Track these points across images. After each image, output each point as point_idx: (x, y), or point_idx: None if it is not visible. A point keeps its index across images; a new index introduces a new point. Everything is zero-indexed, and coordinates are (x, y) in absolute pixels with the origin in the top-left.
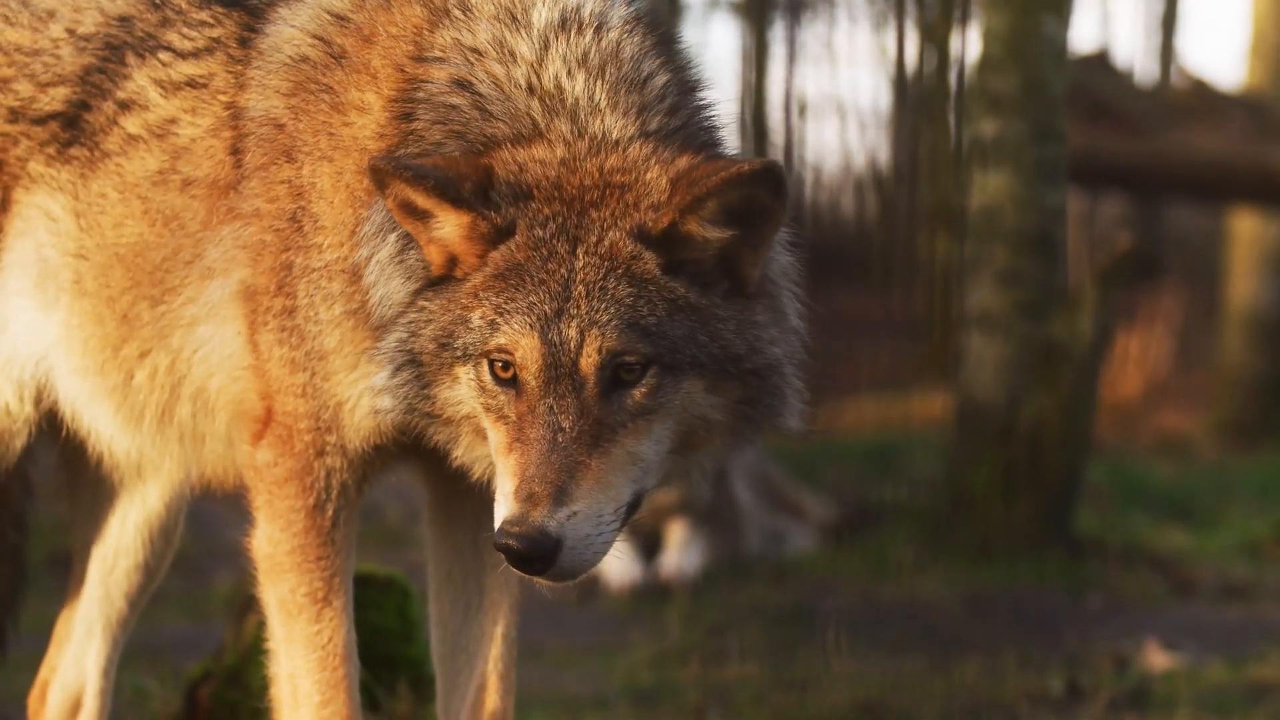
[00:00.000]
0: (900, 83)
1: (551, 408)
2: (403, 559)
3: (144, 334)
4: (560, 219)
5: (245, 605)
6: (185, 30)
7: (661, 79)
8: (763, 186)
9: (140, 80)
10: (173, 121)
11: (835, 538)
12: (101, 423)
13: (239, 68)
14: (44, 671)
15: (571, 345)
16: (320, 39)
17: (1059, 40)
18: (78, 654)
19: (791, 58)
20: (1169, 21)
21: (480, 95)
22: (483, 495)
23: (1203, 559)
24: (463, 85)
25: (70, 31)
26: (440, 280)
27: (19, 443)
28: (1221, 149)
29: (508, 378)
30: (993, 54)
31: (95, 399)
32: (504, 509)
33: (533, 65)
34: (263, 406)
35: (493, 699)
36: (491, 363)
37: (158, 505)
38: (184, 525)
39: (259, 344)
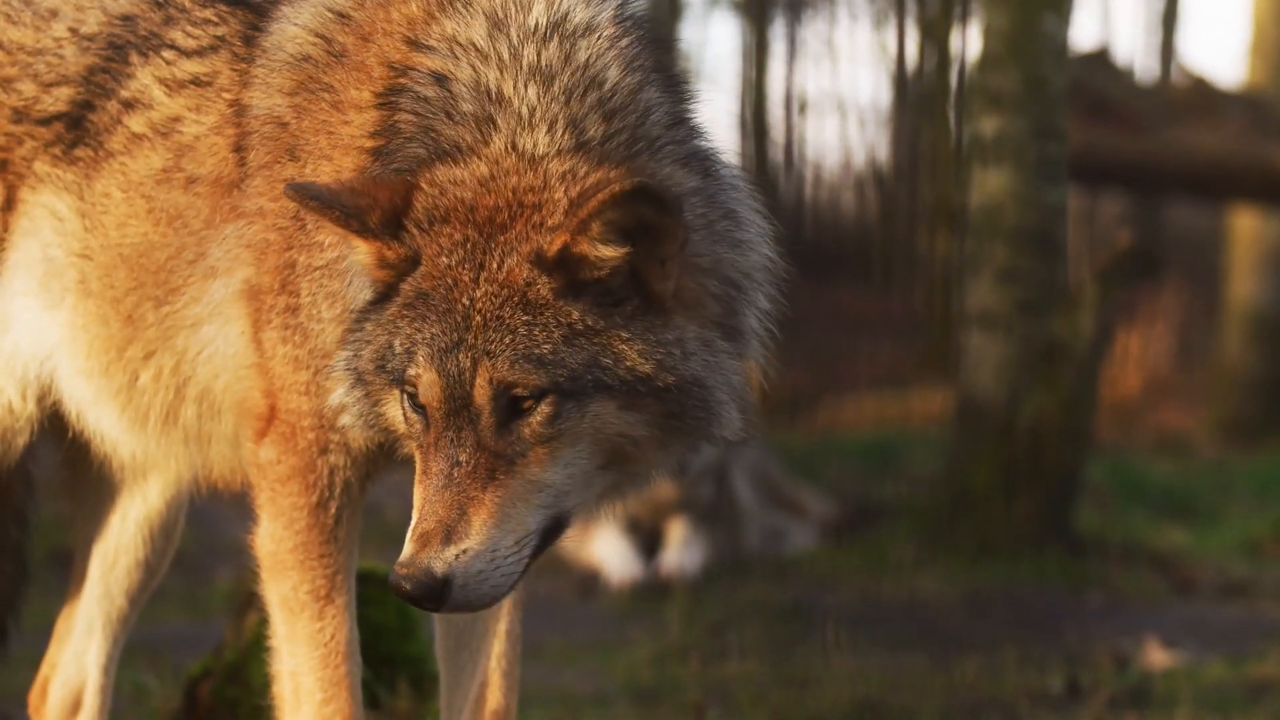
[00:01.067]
0: (901, 80)
1: (451, 440)
2: None
3: (148, 335)
4: (469, 245)
5: (245, 602)
6: (189, 28)
7: (625, 84)
8: (644, 203)
9: (144, 79)
10: (177, 119)
11: (835, 536)
12: (106, 424)
13: (243, 65)
14: (45, 668)
15: (465, 377)
16: (322, 37)
17: (1059, 38)
18: (78, 651)
19: (792, 55)
20: (1169, 19)
21: (450, 94)
22: None
23: (1203, 557)
24: (440, 79)
25: (73, 31)
26: (380, 299)
27: (21, 441)
28: (1222, 147)
29: (420, 407)
30: (993, 51)
31: (100, 400)
32: (404, 547)
33: (500, 70)
34: (266, 404)
35: (496, 696)
36: (407, 393)
37: (159, 503)
38: (185, 523)
39: (263, 342)
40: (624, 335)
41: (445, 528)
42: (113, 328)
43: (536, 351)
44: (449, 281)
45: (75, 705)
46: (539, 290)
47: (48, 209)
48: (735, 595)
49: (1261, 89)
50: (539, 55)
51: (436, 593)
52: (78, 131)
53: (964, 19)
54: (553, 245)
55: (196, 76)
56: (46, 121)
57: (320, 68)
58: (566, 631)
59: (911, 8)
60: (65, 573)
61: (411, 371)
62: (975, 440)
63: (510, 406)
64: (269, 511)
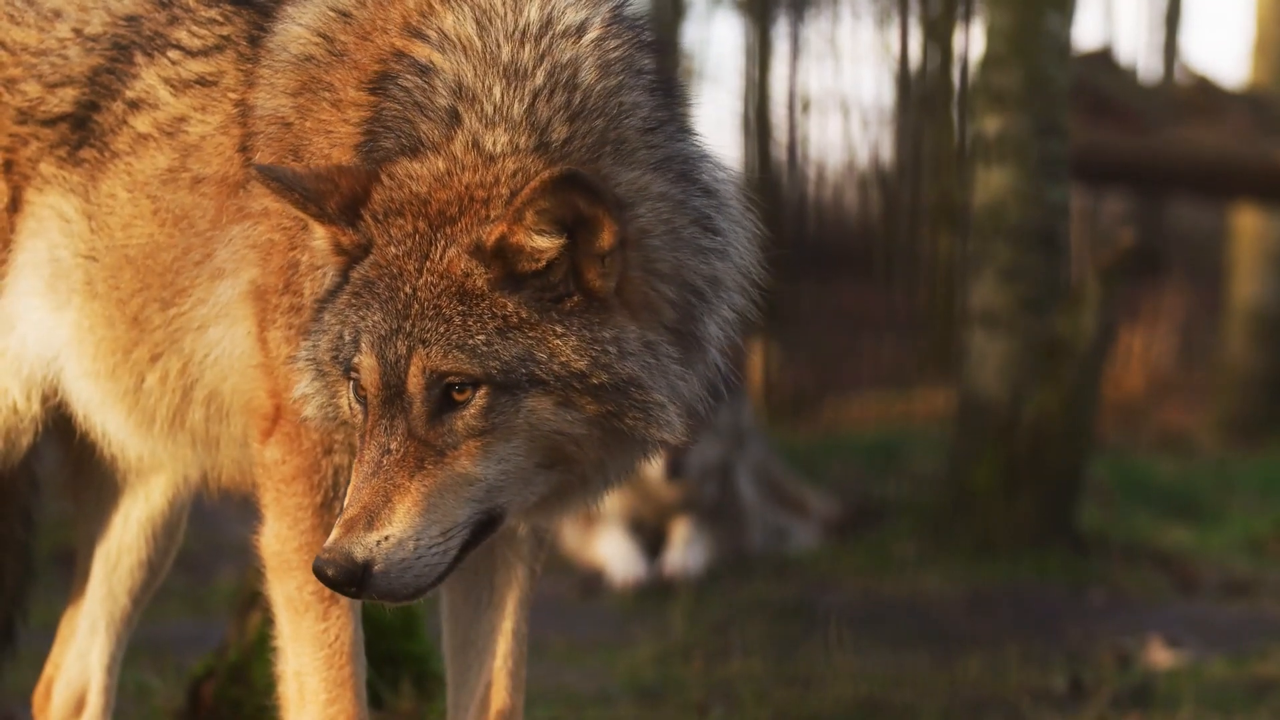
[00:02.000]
0: (904, 79)
1: (385, 428)
2: None
3: (155, 337)
4: (417, 236)
5: (248, 602)
6: (194, 28)
7: (600, 87)
8: (575, 193)
9: (149, 79)
10: (183, 120)
11: (838, 534)
12: (113, 426)
13: (249, 65)
14: (48, 668)
15: (401, 364)
16: (324, 36)
17: (1062, 36)
18: (81, 651)
19: (795, 54)
20: (1172, 18)
21: (430, 86)
22: None
23: (1205, 556)
24: (424, 70)
25: (77, 31)
26: (335, 288)
27: (25, 440)
28: (1224, 146)
29: (362, 397)
30: (996, 50)
31: (106, 403)
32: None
33: (477, 66)
34: (271, 404)
35: (502, 695)
36: (352, 379)
37: (161, 502)
38: (187, 522)
39: (268, 342)
40: (558, 330)
41: (369, 514)
42: (119, 330)
43: (470, 341)
44: (394, 271)
45: (79, 705)
46: (476, 281)
47: (54, 210)
48: (738, 594)
49: (1264, 88)
50: (515, 54)
51: (356, 578)
52: (83, 132)
53: (967, 18)
54: (490, 236)
55: (202, 76)
56: (51, 122)
57: (322, 67)
58: (570, 631)
59: (914, 7)
60: (69, 571)
61: (355, 359)
62: (978, 439)
63: (443, 396)
64: (274, 511)
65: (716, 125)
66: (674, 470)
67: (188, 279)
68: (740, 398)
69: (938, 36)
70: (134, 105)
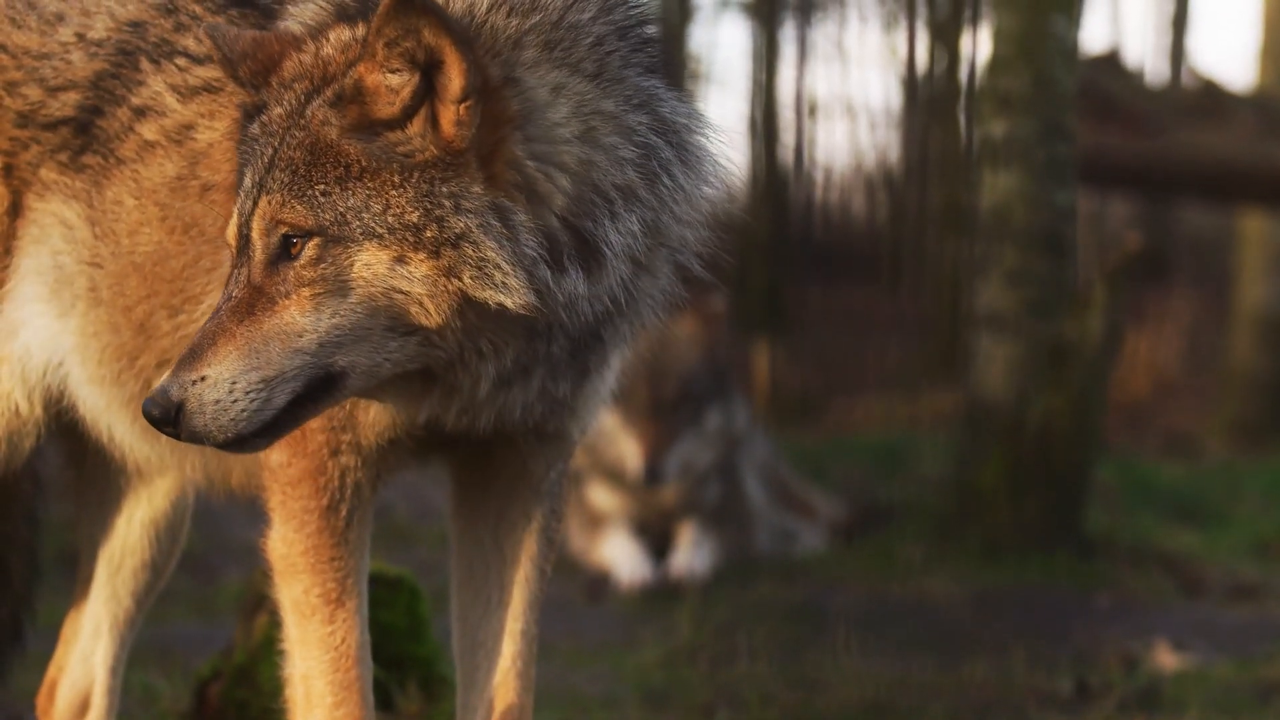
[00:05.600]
0: (910, 82)
1: (234, 278)
2: (412, 557)
3: (162, 344)
4: (301, 97)
5: (255, 604)
6: (201, 35)
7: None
8: (416, 16)
9: (156, 86)
10: (190, 127)
11: (844, 537)
12: (119, 431)
13: None
14: (52, 670)
15: (247, 213)
16: None
17: (1069, 40)
18: (85, 653)
19: (802, 58)
20: (1179, 21)
21: None
22: (506, 491)
23: (1212, 559)
24: None
25: (80, 36)
26: None
27: (28, 444)
28: (1231, 149)
29: (231, 252)
30: (1003, 53)
31: (111, 408)
32: None
33: None
34: None
35: (511, 695)
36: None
37: (164, 504)
38: (192, 524)
39: None
40: (395, 180)
41: (194, 355)
42: (124, 336)
43: (309, 191)
44: (272, 129)
45: (83, 707)
46: (329, 130)
47: (56, 217)
48: (745, 596)
49: (1271, 91)
50: None
51: (171, 416)
52: (85, 138)
53: (974, 21)
54: (349, 79)
55: (208, 83)
56: (53, 126)
57: None
58: (576, 633)
59: (921, 10)
60: (74, 573)
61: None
62: (984, 441)
63: (281, 246)
64: (280, 514)
65: (724, 129)
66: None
67: (198, 286)
68: (732, 400)
69: (944, 40)
70: (141, 112)
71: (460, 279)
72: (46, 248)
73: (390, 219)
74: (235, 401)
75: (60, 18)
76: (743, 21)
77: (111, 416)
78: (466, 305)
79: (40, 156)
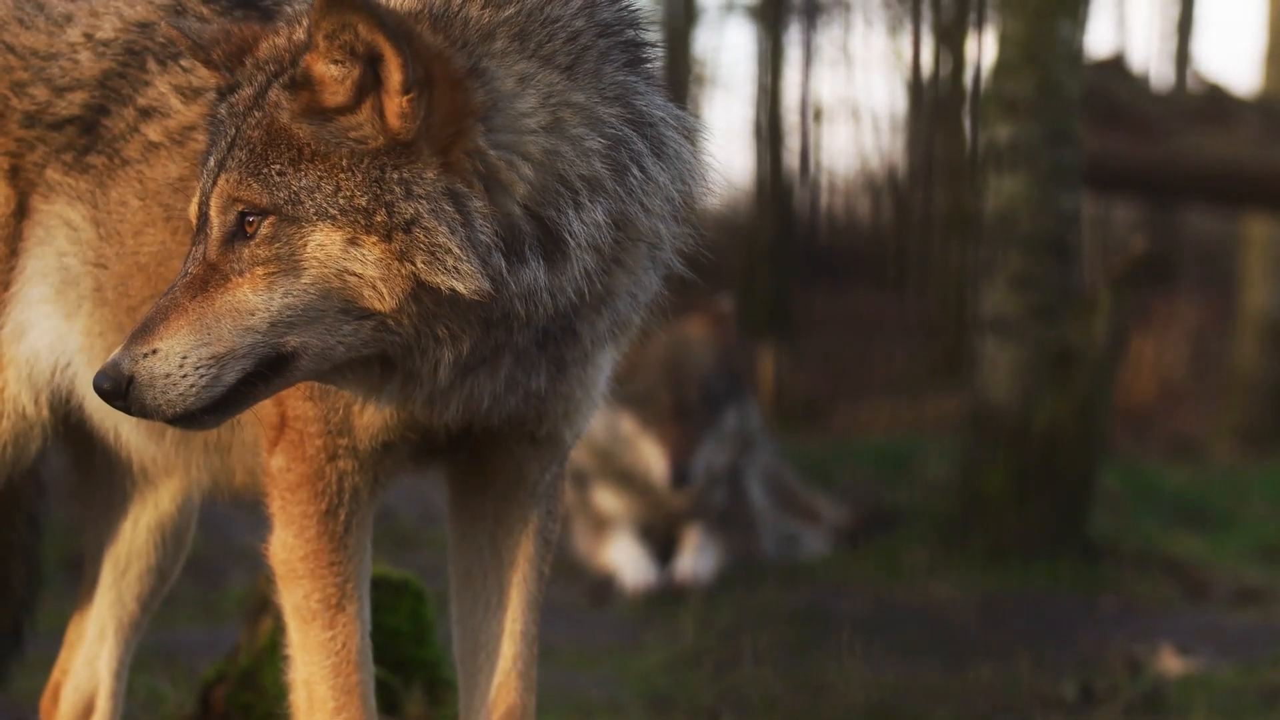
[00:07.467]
0: (915, 87)
1: (191, 256)
2: (416, 561)
3: None
4: (268, 79)
5: (259, 608)
6: None
7: None
8: (349, 13)
9: (161, 87)
10: (193, 128)
11: (849, 541)
12: (125, 432)
13: None
14: (56, 674)
15: (207, 191)
16: None
17: (1074, 44)
18: (90, 656)
19: (807, 61)
20: (1185, 26)
21: None
22: (502, 494)
23: (1217, 563)
24: None
25: (88, 36)
26: None
27: (34, 447)
28: (1236, 153)
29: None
30: (1008, 58)
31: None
32: None
33: None
34: (277, 412)
35: (513, 695)
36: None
37: (170, 507)
38: (197, 528)
39: None
40: (344, 164)
41: (146, 329)
42: None
43: (264, 170)
44: (238, 110)
45: (87, 710)
46: (282, 113)
47: (61, 218)
48: (749, 601)
49: (1276, 96)
50: None
51: (119, 388)
52: (90, 138)
53: (979, 25)
54: (299, 67)
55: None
56: (59, 125)
57: None
58: (580, 637)
59: (927, 14)
60: (77, 577)
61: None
62: (989, 446)
63: (237, 224)
64: (280, 519)
65: (729, 132)
66: (678, 479)
67: None
68: (746, 402)
69: (950, 44)
70: (145, 113)
71: (413, 263)
72: (52, 249)
73: (341, 200)
74: (185, 376)
75: (68, 18)
76: (748, 25)
77: (118, 416)
78: (420, 290)
79: (46, 157)
